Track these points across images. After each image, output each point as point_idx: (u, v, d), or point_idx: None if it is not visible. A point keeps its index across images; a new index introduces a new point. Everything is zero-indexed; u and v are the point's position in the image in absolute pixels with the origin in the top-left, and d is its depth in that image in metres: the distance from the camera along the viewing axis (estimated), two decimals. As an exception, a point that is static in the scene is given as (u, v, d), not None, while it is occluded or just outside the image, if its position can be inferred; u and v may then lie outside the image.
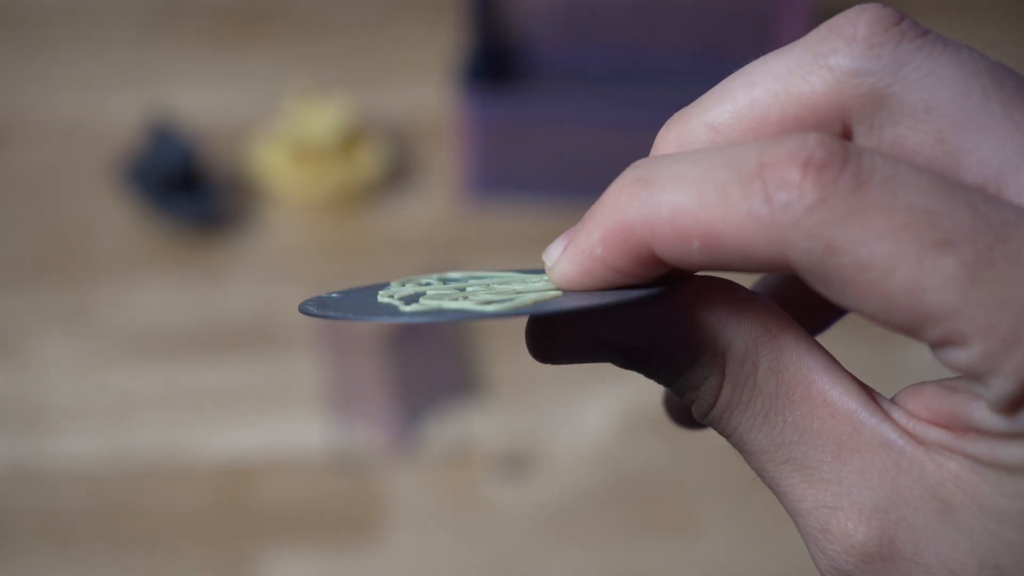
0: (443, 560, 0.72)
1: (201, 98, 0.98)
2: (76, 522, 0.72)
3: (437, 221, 0.90)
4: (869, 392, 0.27)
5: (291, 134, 0.89)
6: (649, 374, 0.28)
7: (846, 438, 0.26)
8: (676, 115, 0.28)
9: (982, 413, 0.25)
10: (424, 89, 0.98)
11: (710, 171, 0.25)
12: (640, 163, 0.27)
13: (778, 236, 0.24)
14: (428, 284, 0.32)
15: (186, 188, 0.86)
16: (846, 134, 0.26)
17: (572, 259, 0.28)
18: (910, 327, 0.24)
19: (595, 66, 0.97)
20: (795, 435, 0.26)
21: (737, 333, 0.27)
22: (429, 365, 0.80)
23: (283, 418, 0.77)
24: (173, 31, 1.04)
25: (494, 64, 0.96)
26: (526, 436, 0.77)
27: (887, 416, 0.26)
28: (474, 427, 0.77)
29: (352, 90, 0.96)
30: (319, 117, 0.89)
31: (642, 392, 0.77)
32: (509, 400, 0.78)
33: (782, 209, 0.24)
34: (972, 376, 0.24)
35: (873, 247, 0.24)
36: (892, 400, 0.27)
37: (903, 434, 0.26)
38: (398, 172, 0.92)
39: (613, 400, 0.77)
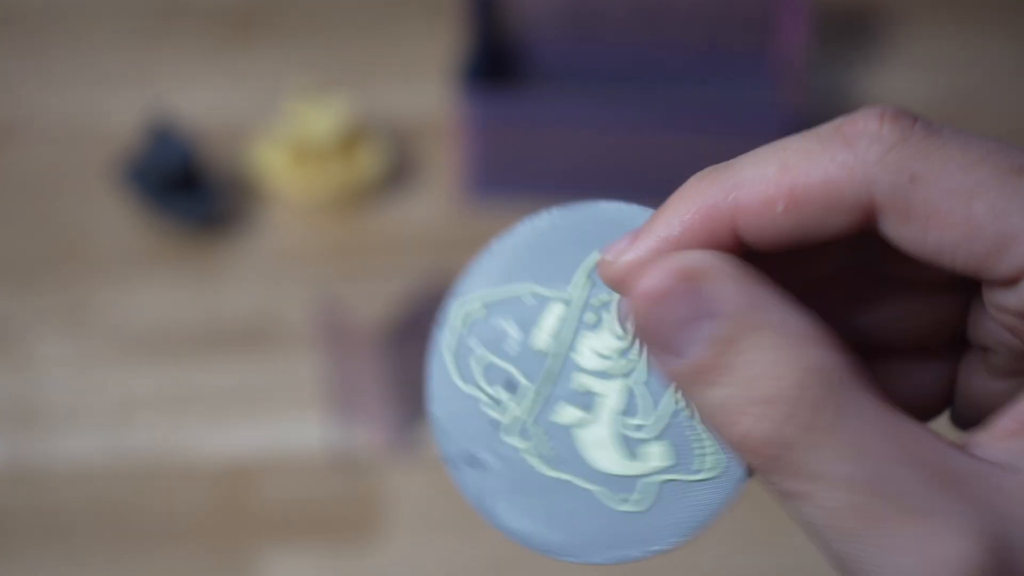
0: (443, 560, 0.72)
1: (201, 98, 0.98)
2: (75, 522, 0.72)
3: (437, 221, 0.90)
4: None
5: (291, 134, 0.89)
6: None
7: (937, 465, 0.25)
8: (704, 174, 0.27)
9: None
10: (424, 89, 0.98)
11: (787, 144, 0.26)
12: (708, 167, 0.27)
13: (863, 175, 0.25)
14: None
15: (186, 188, 0.86)
16: (870, 219, 0.26)
17: (644, 246, 0.27)
18: (990, 254, 0.25)
19: (595, 66, 0.97)
20: (884, 467, 0.25)
21: (825, 356, 0.26)
22: (429, 365, 0.80)
23: (283, 418, 0.77)
24: (173, 31, 1.04)
25: (494, 64, 0.96)
26: (526, 436, 0.77)
27: (967, 446, 0.26)
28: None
29: (352, 90, 0.96)
30: (319, 117, 0.89)
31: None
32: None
33: (865, 149, 0.25)
34: None
35: (955, 175, 0.25)
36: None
37: (990, 460, 0.25)
38: (398, 172, 0.92)
39: (613, 400, 0.77)
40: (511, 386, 0.29)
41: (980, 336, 0.29)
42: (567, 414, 0.29)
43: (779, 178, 0.26)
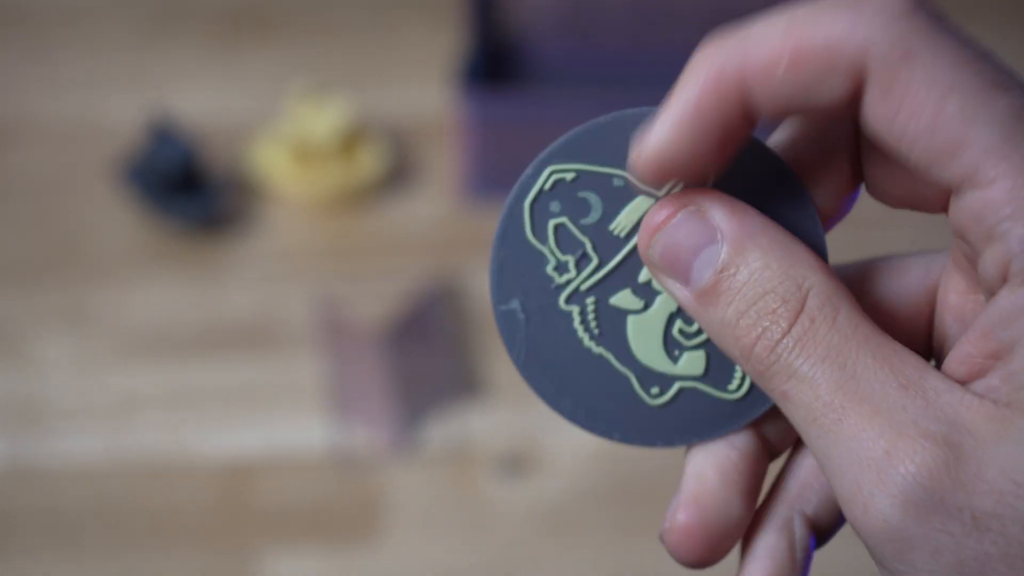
0: (443, 559, 0.72)
1: (202, 99, 0.98)
2: (77, 522, 0.72)
3: (437, 221, 0.90)
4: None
5: (292, 134, 0.90)
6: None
7: (913, 378, 0.27)
8: (715, 39, 0.29)
9: (1006, 299, 0.27)
10: (424, 90, 0.98)
11: (798, 6, 0.28)
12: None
13: (864, 37, 0.26)
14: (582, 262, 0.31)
15: (187, 188, 0.87)
16: (858, 92, 0.28)
17: (665, 124, 0.28)
18: (944, 152, 0.26)
19: (594, 67, 0.97)
20: (865, 372, 0.27)
21: (821, 278, 0.29)
22: (429, 364, 0.81)
23: (284, 418, 0.78)
24: (174, 32, 1.04)
25: (493, 65, 0.96)
26: (526, 435, 0.77)
27: (938, 368, 0.28)
28: (474, 426, 0.77)
29: (352, 90, 0.96)
30: (320, 117, 0.89)
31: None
32: (509, 399, 0.79)
33: (871, 14, 0.26)
34: (986, 223, 0.27)
35: (942, 67, 0.26)
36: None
37: (957, 379, 0.28)
38: (398, 172, 0.93)
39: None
40: (580, 257, 0.31)
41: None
42: (625, 299, 0.31)
43: (784, 37, 0.27)
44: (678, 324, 0.31)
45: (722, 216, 0.29)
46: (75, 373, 0.80)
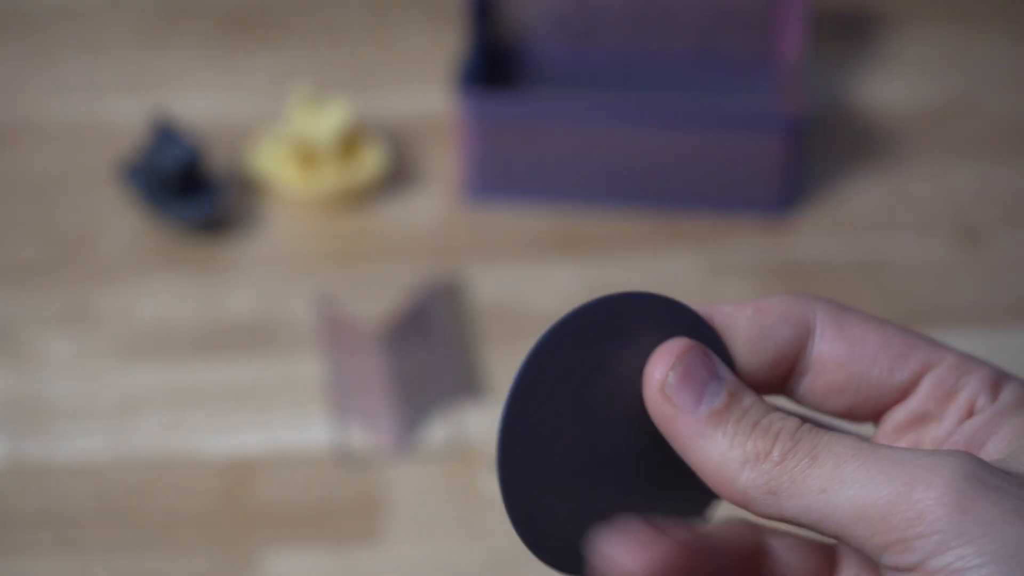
0: (444, 558, 0.72)
1: (203, 99, 0.99)
2: (79, 520, 0.73)
3: (437, 222, 0.90)
4: None
5: (293, 136, 0.90)
6: None
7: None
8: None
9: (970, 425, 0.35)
10: (425, 91, 0.98)
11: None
12: None
13: (810, 301, 0.36)
14: None
15: (189, 189, 0.87)
16: (808, 335, 0.36)
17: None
18: (900, 356, 0.35)
19: (594, 68, 0.98)
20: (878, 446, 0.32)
21: None
22: (429, 364, 0.81)
23: (285, 417, 0.78)
24: (176, 34, 1.05)
25: (493, 66, 0.97)
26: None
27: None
28: (475, 425, 0.78)
29: (353, 92, 0.96)
30: (321, 119, 0.90)
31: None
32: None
33: (807, 299, 0.36)
34: (947, 386, 0.35)
35: (868, 314, 0.36)
36: None
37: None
38: (399, 173, 0.93)
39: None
40: None
41: None
42: None
43: (748, 302, 0.35)
44: None
45: (721, 363, 0.34)
46: (77, 372, 0.80)
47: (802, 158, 0.92)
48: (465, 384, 0.80)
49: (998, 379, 0.34)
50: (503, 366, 0.80)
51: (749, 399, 0.33)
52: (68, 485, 0.74)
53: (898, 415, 0.35)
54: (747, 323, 0.35)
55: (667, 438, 0.34)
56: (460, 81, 0.89)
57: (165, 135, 0.88)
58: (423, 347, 0.82)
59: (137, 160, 0.89)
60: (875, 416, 0.35)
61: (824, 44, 1.02)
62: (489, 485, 0.75)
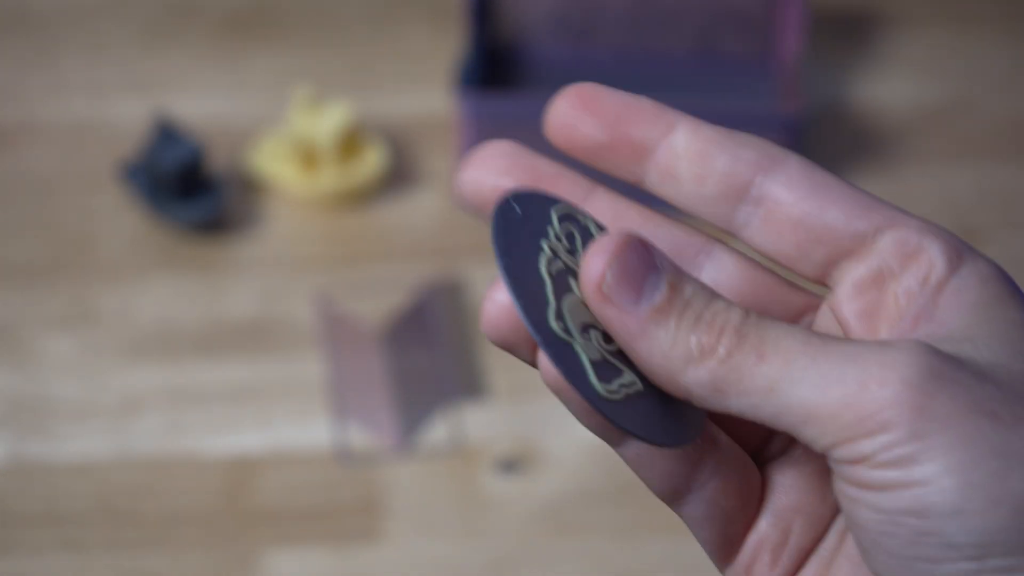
0: (445, 557, 0.72)
1: (204, 100, 0.99)
2: (80, 520, 0.73)
3: (437, 222, 0.90)
4: None
5: (293, 136, 0.90)
6: None
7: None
8: None
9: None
10: (425, 91, 0.98)
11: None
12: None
13: None
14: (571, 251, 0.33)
15: (190, 189, 0.87)
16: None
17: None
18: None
19: (594, 68, 0.98)
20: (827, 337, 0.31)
21: None
22: (429, 363, 0.81)
23: (285, 416, 0.78)
24: (177, 35, 1.05)
25: (492, 67, 0.97)
26: (527, 434, 0.77)
27: None
28: (475, 425, 0.78)
29: (354, 92, 0.97)
30: (321, 119, 0.90)
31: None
32: (510, 398, 0.79)
33: None
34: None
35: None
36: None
37: None
38: (399, 174, 0.93)
39: (612, 399, 0.77)
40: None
41: None
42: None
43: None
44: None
45: (659, 252, 0.32)
46: (78, 372, 0.80)
47: (802, 158, 0.92)
48: (465, 384, 0.80)
49: (959, 251, 0.32)
50: (503, 366, 0.80)
51: (691, 288, 0.31)
52: (69, 485, 0.75)
53: (859, 271, 0.32)
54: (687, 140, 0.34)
55: (611, 335, 0.32)
56: (460, 81, 0.89)
57: (166, 135, 0.88)
58: (423, 347, 0.82)
59: (138, 160, 0.89)
60: (827, 264, 0.33)
61: (824, 44, 1.03)
62: (490, 484, 0.75)
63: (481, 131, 0.89)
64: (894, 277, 0.32)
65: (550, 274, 0.32)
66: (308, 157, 0.90)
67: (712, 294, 0.31)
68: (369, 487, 0.75)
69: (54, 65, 1.02)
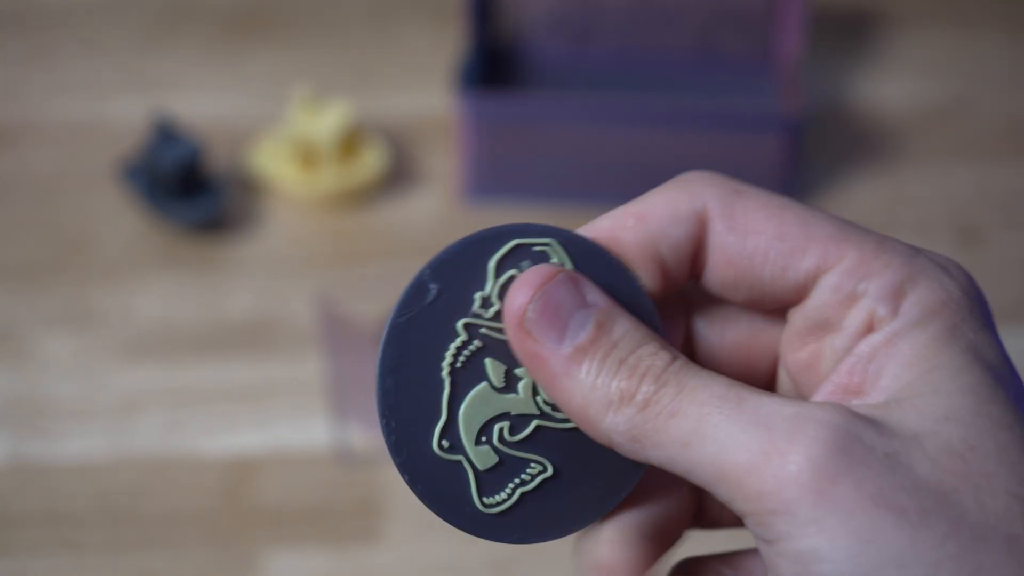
0: (444, 558, 0.72)
1: (204, 100, 0.99)
2: (79, 520, 0.73)
3: (436, 222, 0.90)
4: None
5: (293, 136, 0.90)
6: None
7: (768, 405, 0.29)
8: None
9: (874, 338, 0.30)
10: (425, 92, 0.98)
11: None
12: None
13: (700, 190, 0.32)
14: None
15: (189, 189, 0.87)
16: (702, 230, 0.32)
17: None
18: (795, 251, 0.31)
19: (594, 68, 0.98)
20: (750, 390, 0.29)
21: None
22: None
23: (285, 416, 0.78)
24: (177, 34, 1.05)
25: (492, 67, 0.97)
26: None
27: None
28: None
29: (353, 92, 0.97)
30: (321, 119, 0.90)
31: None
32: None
33: (702, 183, 0.32)
34: (845, 290, 0.31)
35: (768, 197, 0.32)
36: None
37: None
38: (398, 173, 0.93)
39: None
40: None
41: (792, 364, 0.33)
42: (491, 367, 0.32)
43: (628, 209, 0.32)
44: (500, 425, 0.32)
45: (592, 288, 0.30)
46: (78, 372, 0.80)
47: (802, 158, 0.92)
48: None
49: (901, 284, 0.30)
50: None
51: (620, 329, 0.30)
52: (68, 485, 0.74)
53: (797, 320, 0.31)
54: (632, 235, 0.31)
55: (531, 375, 0.31)
56: (460, 81, 0.89)
57: (165, 135, 0.88)
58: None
59: (137, 160, 0.89)
60: (781, 313, 0.32)
61: (824, 44, 1.03)
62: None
63: (481, 131, 0.89)
64: (832, 327, 0.31)
65: (454, 368, 0.31)
66: (308, 157, 0.90)
67: (645, 337, 0.30)
68: (369, 487, 0.75)
69: (54, 65, 1.02)
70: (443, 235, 0.90)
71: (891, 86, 1.01)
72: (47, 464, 0.76)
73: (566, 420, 0.31)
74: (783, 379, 0.33)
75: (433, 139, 0.95)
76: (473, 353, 0.31)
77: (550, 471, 0.31)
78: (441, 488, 0.31)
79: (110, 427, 0.77)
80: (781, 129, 0.87)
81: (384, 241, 0.89)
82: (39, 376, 0.80)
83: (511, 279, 0.31)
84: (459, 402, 0.31)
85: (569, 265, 0.31)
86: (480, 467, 0.31)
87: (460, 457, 0.31)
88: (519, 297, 0.30)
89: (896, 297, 0.30)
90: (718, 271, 0.31)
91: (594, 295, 0.30)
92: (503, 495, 0.31)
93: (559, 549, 0.74)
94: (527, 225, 0.31)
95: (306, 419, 0.78)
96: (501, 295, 0.31)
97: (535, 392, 0.31)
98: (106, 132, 0.96)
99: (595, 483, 0.32)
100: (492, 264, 0.31)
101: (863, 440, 0.27)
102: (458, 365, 0.31)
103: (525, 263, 0.31)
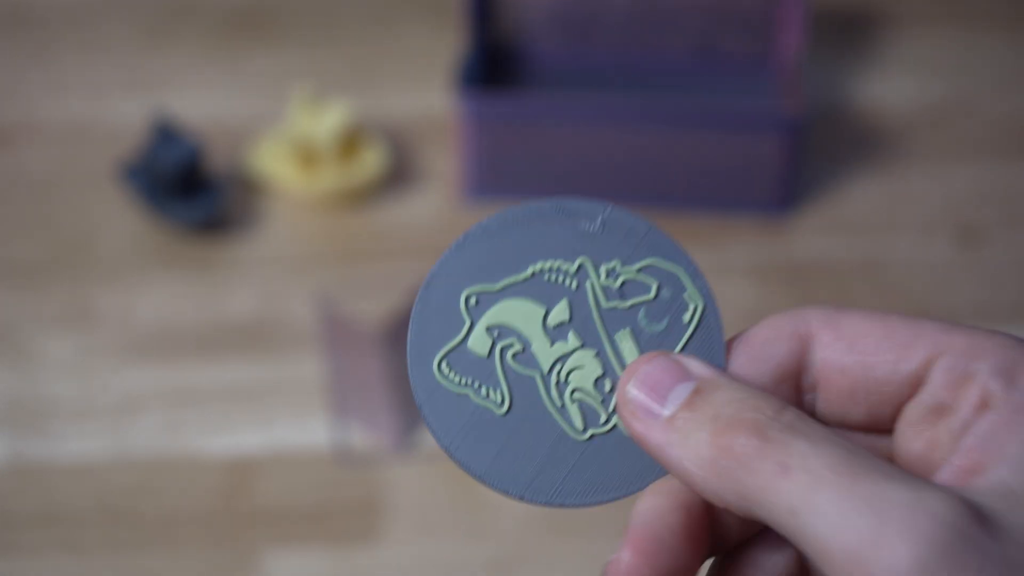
0: (444, 558, 0.72)
1: (204, 100, 0.99)
2: (79, 520, 0.73)
3: (436, 222, 0.90)
4: None
5: (293, 135, 0.90)
6: None
7: (887, 466, 0.29)
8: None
9: (991, 420, 0.30)
10: (425, 91, 0.98)
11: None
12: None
13: (800, 312, 0.33)
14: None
15: (189, 189, 0.87)
16: (805, 347, 0.33)
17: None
18: (906, 346, 0.31)
19: (594, 68, 0.98)
20: (866, 455, 0.29)
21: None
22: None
23: (285, 417, 0.78)
24: (177, 34, 1.05)
25: (492, 67, 0.97)
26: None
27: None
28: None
29: (353, 92, 0.97)
30: (321, 119, 0.90)
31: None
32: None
33: (799, 309, 0.33)
34: (958, 372, 0.31)
35: (869, 311, 0.32)
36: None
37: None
38: (398, 173, 0.93)
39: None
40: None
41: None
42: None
43: (737, 341, 0.33)
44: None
45: (697, 363, 0.31)
46: (78, 372, 0.80)
47: (802, 158, 0.92)
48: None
49: (1014, 363, 0.30)
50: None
51: (723, 393, 0.30)
52: (68, 485, 0.74)
53: (912, 412, 0.31)
54: (738, 357, 0.32)
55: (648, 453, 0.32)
56: (460, 81, 0.89)
57: (165, 135, 0.88)
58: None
59: (137, 160, 0.89)
60: (895, 415, 0.32)
61: (824, 44, 1.02)
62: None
63: (481, 131, 0.89)
64: (946, 411, 0.30)
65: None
66: (308, 157, 0.90)
67: (751, 393, 0.30)
68: (368, 487, 0.75)
69: (53, 64, 1.02)
70: (443, 235, 0.90)
71: (891, 86, 1.01)
72: (47, 464, 0.76)
73: None
74: None
75: (433, 139, 0.95)
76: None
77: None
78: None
79: (110, 427, 0.77)
80: (782, 129, 0.87)
81: (384, 241, 0.89)
82: (39, 376, 0.80)
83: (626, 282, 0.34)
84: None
85: (700, 303, 0.34)
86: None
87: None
88: (623, 377, 0.32)
89: (1010, 374, 0.30)
90: (831, 384, 0.32)
91: (699, 367, 0.31)
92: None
93: (559, 549, 0.74)
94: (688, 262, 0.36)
95: (306, 419, 0.78)
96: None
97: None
98: (106, 132, 0.96)
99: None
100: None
101: (976, 544, 0.26)
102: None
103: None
